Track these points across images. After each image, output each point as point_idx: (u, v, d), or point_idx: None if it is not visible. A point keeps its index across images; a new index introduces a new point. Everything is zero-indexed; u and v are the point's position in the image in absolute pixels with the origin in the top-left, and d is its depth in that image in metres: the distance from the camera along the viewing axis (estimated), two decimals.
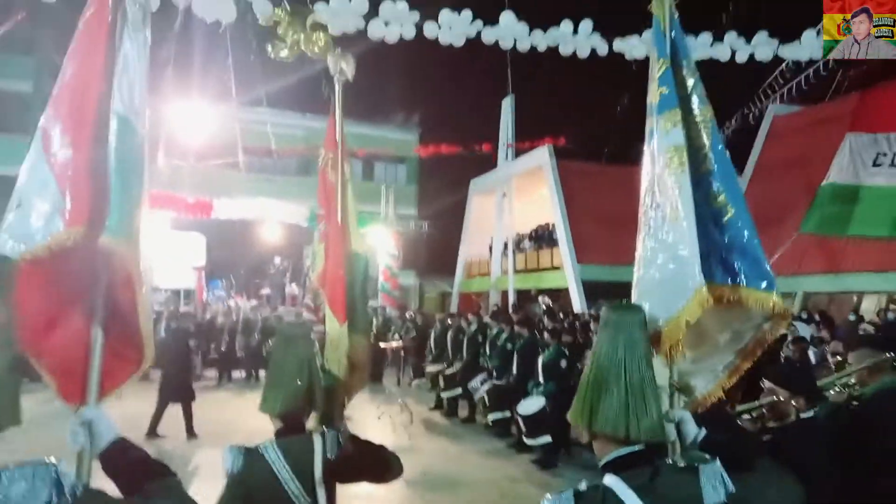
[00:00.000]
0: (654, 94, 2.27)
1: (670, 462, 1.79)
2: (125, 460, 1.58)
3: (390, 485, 2.56)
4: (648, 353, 1.75)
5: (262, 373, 15.30)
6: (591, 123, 25.54)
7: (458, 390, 10.80)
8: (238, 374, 15.33)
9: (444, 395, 11.18)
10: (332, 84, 3.18)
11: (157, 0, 7.53)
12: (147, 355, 1.94)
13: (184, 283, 18.81)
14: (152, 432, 8.93)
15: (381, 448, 2.59)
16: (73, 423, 1.68)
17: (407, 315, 17.39)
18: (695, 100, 2.28)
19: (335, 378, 3.09)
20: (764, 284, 2.08)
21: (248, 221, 19.45)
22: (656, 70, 2.28)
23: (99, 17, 2.00)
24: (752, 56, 11.68)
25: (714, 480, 1.60)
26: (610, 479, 1.60)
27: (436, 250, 26.45)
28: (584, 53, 11.32)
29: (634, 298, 2.20)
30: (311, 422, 2.65)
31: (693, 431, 1.95)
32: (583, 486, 1.60)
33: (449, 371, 11.06)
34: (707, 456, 1.73)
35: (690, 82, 2.29)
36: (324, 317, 3.14)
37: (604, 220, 18.65)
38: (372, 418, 10.13)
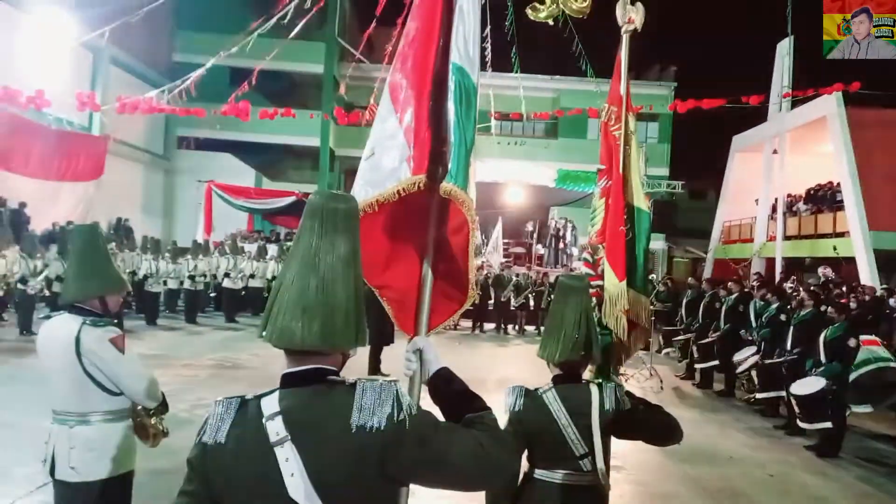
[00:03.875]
0: None
1: None
2: (449, 389, 1.69)
3: (647, 450, 2.46)
4: None
5: (509, 326, 16.10)
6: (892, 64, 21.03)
7: (715, 362, 10.07)
8: (489, 325, 16.26)
9: (699, 366, 10.52)
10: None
11: None
12: (470, 296, 2.10)
13: None
14: (375, 371, 9.09)
15: (661, 409, 2.51)
16: (407, 350, 1.87)
17: (657, 280, 16.61)
18: None
19: (612, 334, 3.07)
20: None
21: (498, 183, 20.21)
22: None
23: None
24: None
25: None
26: None
27: (687, 213, 24.69)
28: None
29: None
30: (587, 374, 2.68)
31: None
32: None
33: (704, 341, 10.35)
34: None
35: None
36: (602, 272, 3.12)
37: None
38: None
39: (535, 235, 21.75)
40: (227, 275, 15.42)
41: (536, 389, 2.49)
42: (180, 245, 16.78)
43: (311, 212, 1.46)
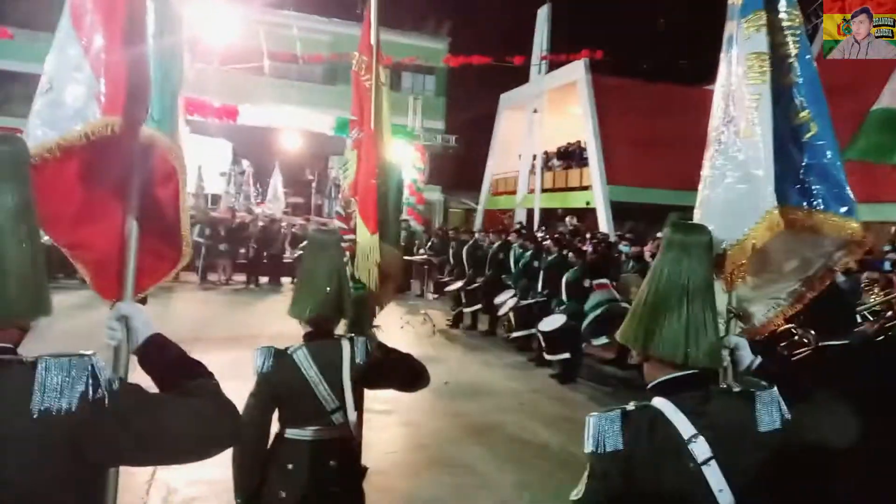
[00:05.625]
0: None
1: (724, 387, 1.75)
2: (162, 357, 1.56)
3: (415, 392, 2.66)
4: (711, 276, 1.67)
5: (284, 279, 15.62)
6: (633, 36, 24.24)
7: (479, 306, 10.90)
8: (263, 279, 15.66)
9: (466, 310, 11.29)
10: None
11: None
12: (185, 254, 1.88)
13: (211, 189, 18.88)
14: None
15: (409, 357, 2.64)
16: (109, 318, 1.67)
17: (431, 231, 17.41)
18: (782, 2, 2.04)
19: (365, 287, 3.06)
20: (844, 209, 1.92)
21: (273, 129, 19.19)
22: None
23: None
24: None
25: (770, 407, 1.57)
26: (659, 402, 1.57)
27: (462, 166, 26.12)
28: None
29: (697, 219, 2.07)
30: (340, 328, 2.67)
31: (748, 358, 1.89)
32: (631, 406, 1.57)
33: (470, 287, 11.10)
34: (763, 382, 1.68)
35: None
36: (355, 226, 3.07)
37: (638, 141, 18.13)
38: (395, 328, 10.36)
39: (314, 185, 21.26)
40: None
41: (287, 349, 2.43)
42: None
43: None
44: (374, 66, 2.95)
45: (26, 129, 1.64)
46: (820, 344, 2.60)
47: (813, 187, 1.95)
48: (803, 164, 1.96)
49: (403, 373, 2.60)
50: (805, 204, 1.95)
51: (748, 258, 1.89)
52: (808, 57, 2.02)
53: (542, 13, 21.28)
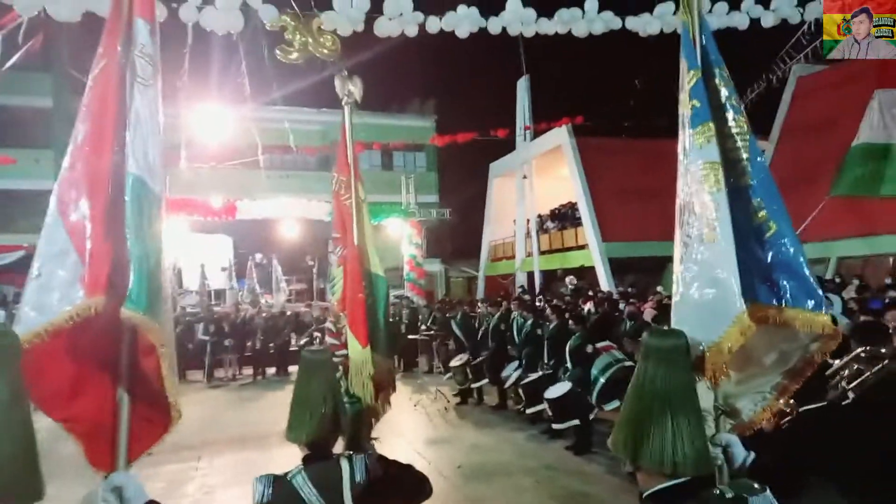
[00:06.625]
0: (686, 105, 2.15)
1: (717, 493, 1.73)
2: None
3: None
4: (692, 380, 1.68)
5: (291, 368, 15.44)
6: (610, 99, 25.06)
7: (485, 380, 10.69)
8: (271, 370, 15.51)
9: (474, 385, 11.07)
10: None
11: (164, 11, 7.44)
12: (174, 417, 1.91)
13: (213, 284, 19.01)
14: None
15: (410, 468, 2.58)
16: (104, 489, 1.67)
17: (433, 305, 17.39)
18: (730, 110, 2.15)
19: (361, 401, 3.05)
20: (811, 304, 1.96)
21: (272, 220, 19.52)
22: (686, 81, 2.15)
23: (107, 75, 1.93)
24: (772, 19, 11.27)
25: None
26: None
27: (459, 236, 26.39)
28: (597, 30, 11.00)
29: (674, 322, 2.11)
30: (338, 446, 2.63)
31: (741, 455, 1.88)
32: None
33: (475, 361, 10.95)
34: (756, 484, 1.66)
35: (724, 92, 2.15)
36: (346, 341, 3.09)
37: (627, 196, 18.40)
38: (407, 408, 10.21)
39: (315, 270, 21.40)
40: None
41: (286, 474, 2.37)
42: None
43: None
44: (352, 183, 3.06)
45: (18, 314, 1.72)
46: (800, 409, 2.61)
47: (780, 283, 2.00)
48: (768, 261, 2.02)
49: (406, 488, 2.54)
50: (774, 301, 1.99)
51: (727, 359, 1.92)
52: (759, 159, 2.12)
53: (522, 85, 22.06)
